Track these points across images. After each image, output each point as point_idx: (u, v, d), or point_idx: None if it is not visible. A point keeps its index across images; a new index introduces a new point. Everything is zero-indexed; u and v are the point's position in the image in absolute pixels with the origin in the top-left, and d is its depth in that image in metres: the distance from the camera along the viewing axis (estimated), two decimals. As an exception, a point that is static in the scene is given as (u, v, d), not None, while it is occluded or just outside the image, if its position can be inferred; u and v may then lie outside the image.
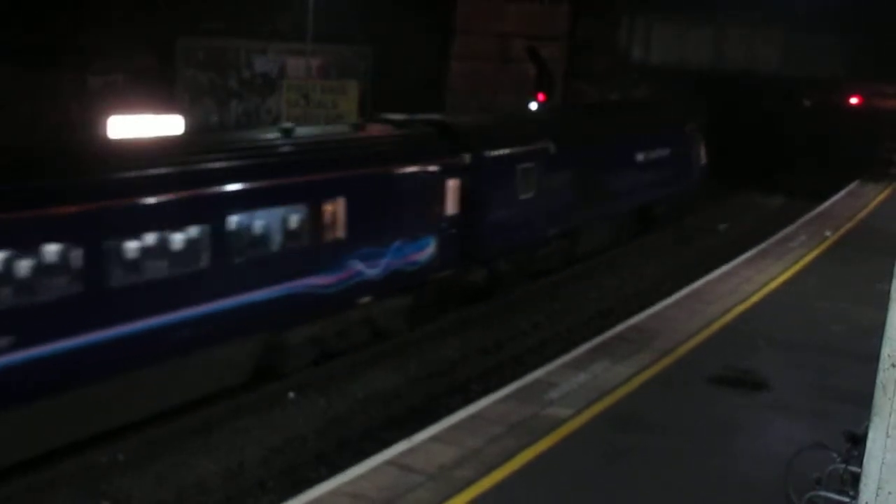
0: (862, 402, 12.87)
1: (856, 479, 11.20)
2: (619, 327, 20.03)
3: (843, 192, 40.92)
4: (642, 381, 16.70)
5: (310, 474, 14.85)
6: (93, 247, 14.21)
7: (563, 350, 19.28)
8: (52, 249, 13.64)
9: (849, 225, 33.19)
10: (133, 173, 15.39)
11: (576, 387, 16.19)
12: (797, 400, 16.26)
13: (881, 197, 40.57)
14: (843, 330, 20.42)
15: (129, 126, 24.61)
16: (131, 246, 14.82)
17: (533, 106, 40.58)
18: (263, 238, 17.13)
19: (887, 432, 7.10)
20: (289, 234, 17.59)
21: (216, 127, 32.97)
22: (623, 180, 30.14)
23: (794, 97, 50.41)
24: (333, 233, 18.51)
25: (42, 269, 13.53)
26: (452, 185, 21.85)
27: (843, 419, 13.67)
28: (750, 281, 24.19)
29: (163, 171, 15.82)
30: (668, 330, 19.73)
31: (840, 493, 11.28)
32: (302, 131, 19.93)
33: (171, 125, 26.05)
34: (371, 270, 19.61)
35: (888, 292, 6.79)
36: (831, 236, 30.70)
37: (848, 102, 50.37)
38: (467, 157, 22.32)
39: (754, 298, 22.60)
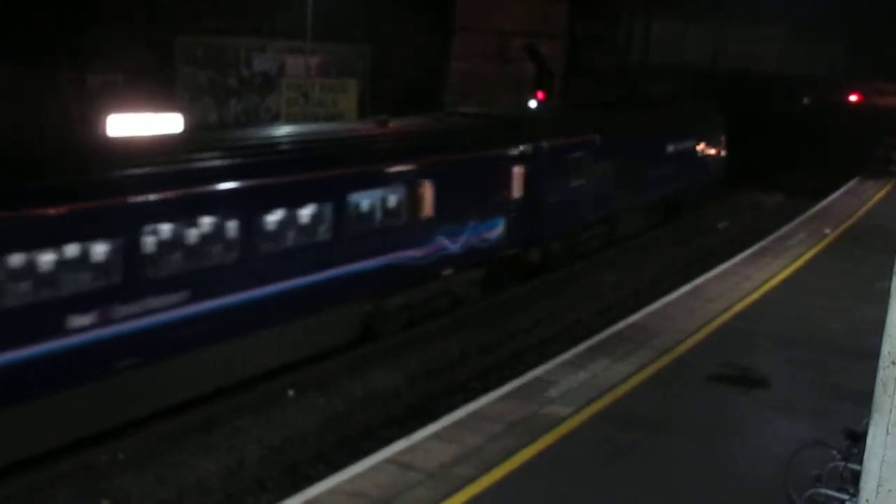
0: (861, 399, 12.89)
1: (856, 477, 11.20)
2: (619, 325, 20.02)
3: (842, 190, 40.93)
4: (642, 380, 16.70)
5: (309, 473, 14.84)
6: (254, 217, 16.94)
7: (562, 348, 19.28)
8: (216, 222, 16.22)
9: (848, 223, 33.20)
10: (275, 157, 18.38)
11: (575, 385, 16.19)
12: (797, 398, 16.25)
13: (880, 195, 40.59)
14: (842, 328, 20.42)
15: (128, 125, 24.60)
16: (274, 219, 17.28)
17: (532, 104, 40.65)
18: (373, 216, 19.60)
19: (887, 429, 7.10)
20: (391, 213, 20.02)
21: (215, 126, 32.95)
22: (656, 171, 32.43)
23: (794, 95, 50.44)
24: (425, 212, 20.94)
25: (209, 239, 16.19)
26: (517, 171, 24.14)
27: (842, 417, 13.68)
28: (749, 279, 24.19)
29: (297, 155, 18.74)
30: (667, 328, 19.73)
31: (840, 490, 11.27)
32: (395, 122, 22.63)
33: (170, 124, 26.04)
34: (453, 246, 22.03)
35: (888, 290, 6.79)
36: (830, 234, 30.71)
37: (847, 100, 50.39)
38: (529, 147, 24.43)
39: (754, 296, 22.60)
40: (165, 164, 16.03)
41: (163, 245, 15.27)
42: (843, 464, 11.48)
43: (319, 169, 18.63)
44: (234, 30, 34.34)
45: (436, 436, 13.91)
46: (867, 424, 7.42)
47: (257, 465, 15.34)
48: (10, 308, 13.17)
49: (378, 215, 19.66)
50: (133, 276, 14.79)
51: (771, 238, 29.85)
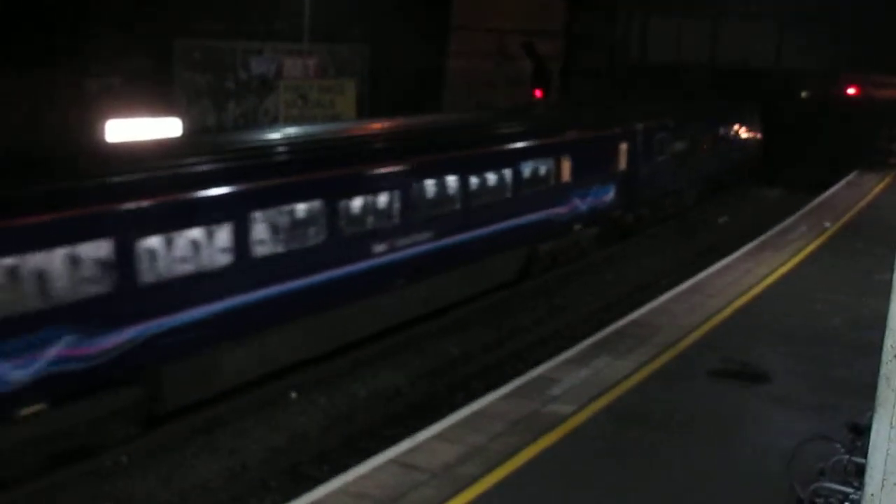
0: (864, 393, 12.88)
1: (860, 470, 11.21)
2: (620, 322, 20.03)
3: (842, 183, 40.94)
4: (644, 376, 16.71)
5: (313, 473, 14.84)
6: (468, 179, 22.60)
7: (564, 346, 19.30)
8: (452, 182, 22.10)
9: (848, 216, 33.22)
10: (479, 135, 24.58)
11: (578, 383, 16.19)
12: (799, 392, 16.26)
13: (880, 187, 40.61)
14: (843, 321, 20.42)
15: (127, 129, 24.58)
16: (477, 180, 22.94)
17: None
18: (534, 180, 25.11)
19: (891, 423, 7.11)
20: (545, 179, 25.59)
21: (214, 129, 32.92)
22: (711, 152, 38.54)
23: (792, 89, 50.46)
24: (565, 178, 26.43)
25: (446, 193, 21.90)
26: (623, 148, 29.70)
27: (845, 411, 13.69)
28: (750, 273, 24.20)
29: (489, 133, 25.05)
30: (669, 324, 19.73)
31: (844, 484, 11.27)
32: (536, 109, 30.01)
33: (168, 127, 26.02)
34: (581, 206, 27.49)
35: (889, 283, 6.79)
36: (831, 227, 30.71)
37: (845, 93, 50.40)
38: (630, 128, 30.15)
39: (755, 291, 22.61)
40: (438, 144, 22.60)
41: (420, 198, 20.93)
42: (846, 457, 11.47)
43: (502, 144, 24.45)
44: (231, 32, 34.29)
45: (439, 435, 13.91)
46: (870, 418, 7.43)
47: (260, 466, 15.34)
48: (349, 237, 19.01)
49: (537, 180, 25.27)
50: (406, 219, 20.41)
51: (771, 232, 29.87)
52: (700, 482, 12.83)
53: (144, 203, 14.94)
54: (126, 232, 14.54)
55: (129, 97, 28.83)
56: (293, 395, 17.81)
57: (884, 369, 7.03)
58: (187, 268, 15.52)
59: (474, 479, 12.47)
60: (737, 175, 42.36)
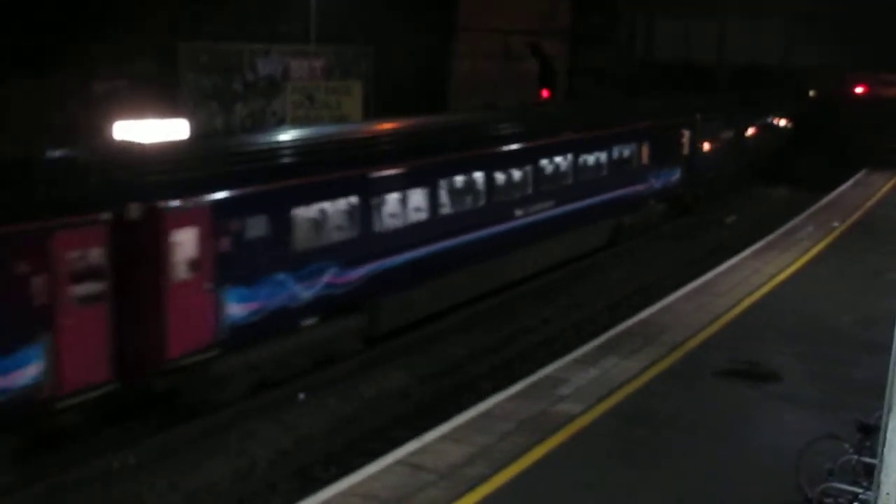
0: (873, 392, 12.85)
1: (868, 470, 11.19)
2: (628, 322, 20.01)
3: (850, 182, 40.84)
4: (652, 376, 16.68)
5: (320, 475, 14.83)
6: (580, 157, 27.20)
7: (571, 346, 19.26)
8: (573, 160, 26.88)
9: (856, 215, 33.14)
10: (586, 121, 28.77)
11: (585, 383, 16.17)
12: (807, 391, 16.22)
13: (888, 186, 40.50)
14: (852, 320, 20.37)
15: (135, 131, 24.61)
16: (585, 158, 27.43)
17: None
18: (623, 161, 29.54)
19: (904, 421, 7.06)
20: (630, 160, 30.07)
21: (222, 131, 32.95)
22: (751, 138, 42.38)
23: (800, 88, 50.44)
24: (644, 161, 30.94)
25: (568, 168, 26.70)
26: (686, 135, 34.25)
27: (854, 410, 13.63)
28: (758, 273, 24.15)
29: (592, 120, 29.13)
30: (676, 323, 19.70)
31: (853, 484, 11.23)
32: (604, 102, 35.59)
33: (176, 129, 26.05)
34: (656, 184, 31.97)
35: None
36: (839, 227, 30.64)
37: (853, 92, 50.30)
38: (690, 119, 34.39)
39: (763, 290, 22.56)
40: (555, 130, 26.94)
41: (546, 173, 25.49)
42: (855, 457, 11.45)
43: (600, 128, 28.59)
44: (237, 34, 34.34)
45: (446, 436, 13.90)
46: (879, 418, 7.39)
47: (268, 468, 15.34)
48: (498, 203, 23.48)
49: (625, 162, 29.68)
50: (536, 190, 25.01)
51: (779, 231, 29.81)
52: (708, 482, 12.80)
53: (378, 173, 19.61)
54: (367, 193, 19.21)
55: (137, 99, 28.88)
56: (301, 396, 17.80)
57: (894, 368, 7.00)
58: (398, 223, 20.04)
59: (482, 480, 12.46)
60: (773, 158, 46.00)
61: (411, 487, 12.19)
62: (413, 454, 13.24)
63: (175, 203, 15.15)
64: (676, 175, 33.57)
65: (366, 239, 19.13)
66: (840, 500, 11.20)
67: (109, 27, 29.81)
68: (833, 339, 19.13)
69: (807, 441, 12.30)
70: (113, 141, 17.08)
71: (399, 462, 12.98)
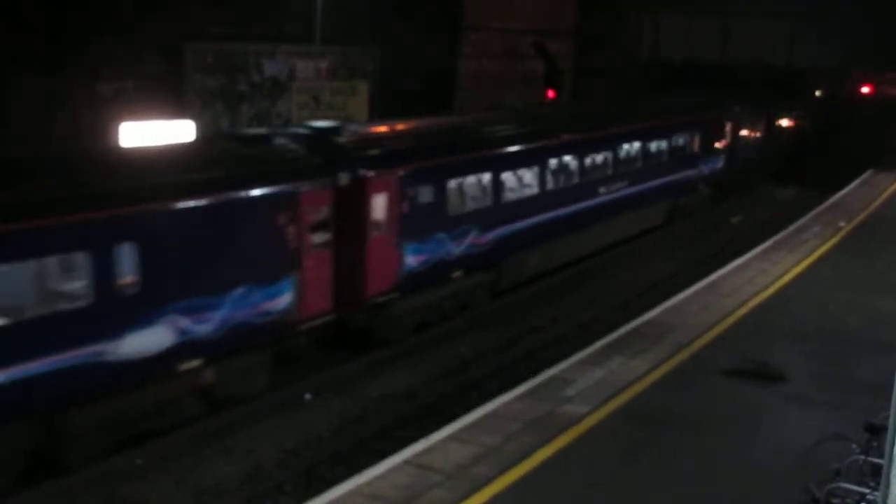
0: (880, 392, 12.85)
1: (876, 471, 11.18)
2: (635, 322, 20.00)
3: (856, 182, 40.76)
4: (659, 376, 16.68)
5: (327, 475, 14.83)
6: (648, 145, 30.81)
7: (578, 346, 19.26)
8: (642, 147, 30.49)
9: (863, 215, 33.09)
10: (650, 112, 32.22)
11: (592, 383, 16.18)
12: (814, 391, 16.21)
13: (895, 186, 40.40)
14: (858, 320, 20.35)
15: (140, 132, 24.63)
16: (651, 145, 31.09)
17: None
18: (680, 148, 33.11)
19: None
20: (683, 148, 33.52)
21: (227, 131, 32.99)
22: (783, 132, 45.51)
23: (808, 88, 50.41)
24: (696, 149, 34.37)
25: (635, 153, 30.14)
26: (729, 126, 37.42)
27: (861, 410, 13.63)
28: (764, 273, 24.13)
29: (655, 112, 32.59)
30: (683, 324, 19.70)
31: (860, 484, 11.23)
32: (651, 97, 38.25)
33: (182, 130, 26.07)
34: (703, 170, 35.39)
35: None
36: (845, 227, 30.59)
37: (859, 92, 50.23)
38: (732, 112, 37.72)
39: (769, 291, 22.55)
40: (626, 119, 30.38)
41: (622, 156, 29.11)
42: (862, 457, 11.44)
43: (662, 120, 32.10)
44: (243, 35, 34.35)
45: (453, 436, 13.91)
46: (886, 418, 7.39)
47: (275, 468, 15.35)
48: (590, 181, 27.35)
49: (681, 149, 33.17)
50: (616, 171, 28.76)
51: (786, 232, 29.77)
52: (715, 482, 12.80)
53: (503, 150, 23.81)
54: (498, 170, 23.11)
55: (142, 100, 28.90)
56: (307, 396, 17.82)
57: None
58: (517, 196, 23.92)
59: (488, 480, 12.47)
60: (799, 150, 47.77)
61: (418, 487, 12.21)
62: (420, 454, 13.26)
63: (372, 173, 18.96)
64: (720, 162, 37.03)
65: (496, 208, 23.08)
66: (847, 500, 11.20)
67: (115, 28, 29.84)
68: (840, 338, 19.11)
69: (814, 441, 12.29)
70: (316, 124, 21.30)
71: (406, 462, 13.01)
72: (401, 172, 19.81)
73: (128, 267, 14.38)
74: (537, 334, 22.26)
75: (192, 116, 29.30)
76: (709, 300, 21.57)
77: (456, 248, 21.72)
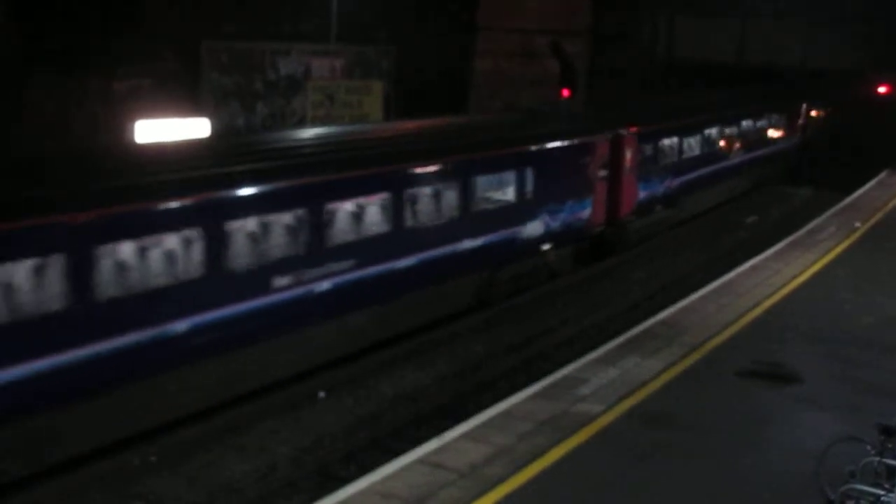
0: (895, 394, 12.78)
1: (891, 472, 11.14)
2: (649, 322, 19.95)
3: (872, 183, 40.59)
4: (672, 376, 16.64)
5: (340, 473, 14.86)
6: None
7: (591, 346, 19.23)
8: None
9: (879, 216, 32.93)
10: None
11: (605, 383, 16.14)
12: (829, 393, 16.15)
13: (911, 187, 40.19)
14: (874, 322, 20.27)
15: (156, 130, 24.73)
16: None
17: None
18: (783, 122, 41.95)
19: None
20: (767, 130, 41.37)
21: (243, 130, 33.08)
22: (827, 120, 50.36)
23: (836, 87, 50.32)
24: (779, 130, 42.30)
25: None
26: (804, 109, 45.60)
27: (876, 412, 13.58)
28: (779, 274, 24.04)
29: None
30: (697, 324, 19.64)
31: (874, 485, 11.19)
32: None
33: (197, 128, 26.16)
34: (784, 147, 43.63)
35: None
36: (861, 227, 30.46)
37: (876, 92, 50.03)
38: (805, 102, 45.80)
39: (784, 291, 22.46)
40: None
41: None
42: (877, 459, 11.39)
43: (753, 108, 39.91)
44: (258, 34, 34.47)
45: (466, 435, 13.90)
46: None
47: (288, 466, 15.38)
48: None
49: (780, 123, 42.26)
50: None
51: (800, 232, 29.66)
52: (728, 484, 12.77)
53: (685, 122, 33.24)
54: (680, 138, 32.50)
55: (158, 98, 29.04)
56: (321, 394, 17.85)
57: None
58: (688, 155, 32.98)
59: (501, 480, 12.46)
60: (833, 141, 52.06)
61: (431, 486, 12.20)
62: (433, 453, 13.25)
63: (625, 132, 27.92)
64: (794, 142, 44.86)
65: (679, 163, 32.24)
66: (862, 501, 11.16)
67: (132, 27, 29.98)
68: (855, 340, 19.03)
69: (828, 443, 12.25)
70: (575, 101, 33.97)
71: (419, 461, 13.00)
72: (636, 133, 28.42)
73: (530, 183, 23.65)
74: (551, 334, 22.24)
75: (207, 114, 29.42)
76: (723, 300, 21.51)
77: (660, 189, 30.82)
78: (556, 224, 24.77)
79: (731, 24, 51.44)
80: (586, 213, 26.20)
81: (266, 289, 16.50)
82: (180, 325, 15.12)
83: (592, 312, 23.92)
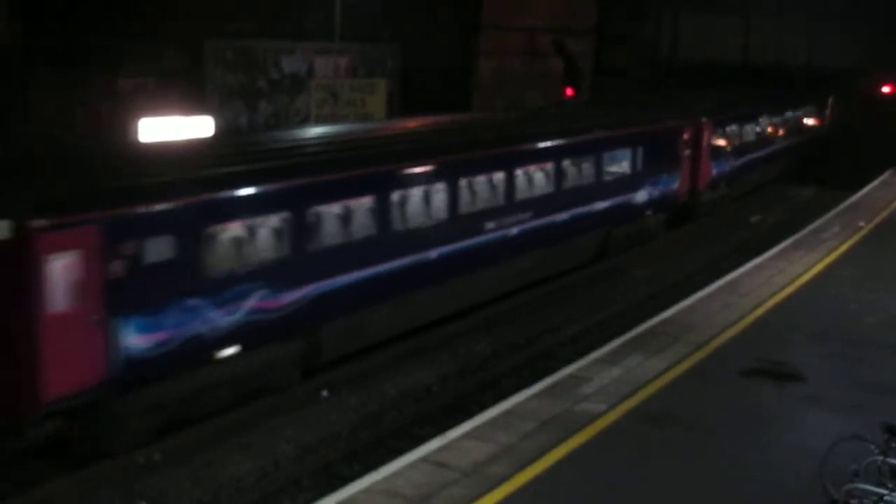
0: (899, 393, 12.76)
1: (894, 472, 11.14)
2: (652, 321, 19.95)
3: (875, 183, 40.55)
4: (676, 375, 16.64)
5: (344, 472, 14.88)
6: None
7: (595, 345, 19.23)
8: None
9: (883, 215, 32.91)
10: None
11: (609, 382, 16.15)
12: (832, 392, 16.15)
13: (915, 186, 40.15)
14: (877, 321, 20.27)
15: (160, 128, 24.74)
16: (786, 121, 45.00)
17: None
18: (803, 120, 47.05)
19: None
20: (806, 120, 47.51)
21: (245, 129, 33.08)
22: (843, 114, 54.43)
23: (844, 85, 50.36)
24: (815, 120, 48.64)
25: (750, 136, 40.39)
26: (827, 108, 51.06)
27: (879, 411, 13.57)
28: (783, 273, 24.03)
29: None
30: (701, 323, 19.64)
31: (878, 485, 11.19)
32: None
33: (201, 126, 26.17)
34: (819, 133, 49.62)
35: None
36: (865, 227, 30.44)
37: (880, 91, 49.97)
38: (832, 98, 51.53)
39: (788, 290, 22.46)
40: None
41: (766, 127, 41.34)
42: (881, 458, 11.39)
43: (804, 100, 47.64)
44: (262, 32, 34.47)
45: (469, 434, 13.91)
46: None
47: (292, 464, 15.40)
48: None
49: (804, 120, 47.46)
50: (777, 135, 42.96)
51: (804, 231, 29.65)
52: (732, 482, 12.77)
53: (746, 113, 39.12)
54: (758, 124, 40.54)
55: (162, 96, 29.03)
56: (324, 393, 17.87)
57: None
58: (745, 140, 38.50)
59: (504, 479, 12.47)
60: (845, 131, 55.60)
61: (434, 485, 12.22)
62: (436, 452, 13.26)
63: (706, 120, 33.48)
64: (825, 130, 50.50)
65: (740, 147, 37.61)
66: (865, 501, 11.16)
67: (135, 24, 29.99)
68: (858, 339, 19.03)
69: (832, 442, 12.25)
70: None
71: (422, 459, 13.01)
72: (711, 121, 33.83)
73: (640, 160, 28.87)
74: (554, 333, 22.24)
75: (211, 112, 29.42)
76: (727, 299, 21.51)
77: (726, 168, 36.00)
78: (656, 193, 30.21)
79: (735, 23, 51.39)
80: (676, 185, 31.76)
81: (481, 231, 21.96)
82: (433, 254, 20.37)
83: (596, 311, 23.92)
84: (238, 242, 15.72)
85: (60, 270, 13.06)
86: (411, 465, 12.83)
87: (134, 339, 14.10)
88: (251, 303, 15.96)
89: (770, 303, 21.37)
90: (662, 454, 13.55)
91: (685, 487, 12.57)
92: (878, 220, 31.98)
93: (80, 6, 28.81)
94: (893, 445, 11.38)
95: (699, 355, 17.70)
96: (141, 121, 25.04)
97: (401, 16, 38.03)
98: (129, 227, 14.05)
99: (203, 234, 15.09)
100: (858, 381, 16.67)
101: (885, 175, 42.46)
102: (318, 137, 21.54)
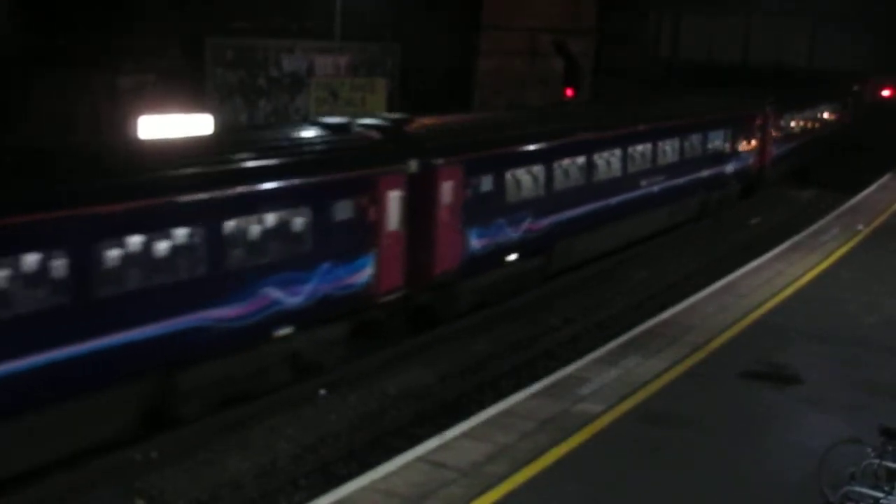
0: (897, 396, 12.77)
1: (891, 475, 11.16)
2: (651, 322, 19.96)
3: (875, 186, 40.55)
4: (674, 376, 16.65)
5: (342, 471, 14.87)
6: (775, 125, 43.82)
7: (594, 345, 19.23)
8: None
9: (882, 218, 32.91)
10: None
11: (607, 382, 16.16)
12: (831, 394, 16.16)
13: (914, 189, 40.16)
14: (876, 322, 20.28)
15: (160, 126, 24.73)
16: (819, 112, 49.12)
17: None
18: (843, 107, 51.80)
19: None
20: (839, 110, 51.34)
21: (246, 126, 33.09)
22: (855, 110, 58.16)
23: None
24: (845, 110, 52.98)
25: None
26: (850, 102, 53.60)
27: (877, 413, 13.59)
28: (782, 274, 24.04)
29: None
30: (700, 324, 19.65)
31: (874, 487, 11.20)
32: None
33: (201, 124, 26.16)
34: (848, 121, 53.65)
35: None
36: (864, 230, 30.45)
37: (880, 95, 50.02)
38: (842, 99, 53.07)
39: (787, 292, 22.47)
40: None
41: (804, 116, 45.67)
42: (877, 461, 11.40)
43: (827, 101, 50.14)
44: (263, 30, 34.49)
45: (468, 434, 13.93)
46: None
47: (290, 463, 15.40)
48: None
49: (841, 108, 50.65)
50: (802, 131, 45.77)
51: (804, 234, 29.65)
52: (729, 484, 12.78)
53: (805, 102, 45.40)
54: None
55: (163, 94, 29.04)
56: (323, 392, 17.87)
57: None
58: (790, 132, 42.94)
59: (502, 478, 12.48)
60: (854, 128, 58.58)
61: (432, 484, 12.23)
62: (434, 451, 13.28)
63: (769, 108, 38.16)
64: (851, 120, 53.76)
65: (793, 134, 42.40)
66: (861, 503, 11.18)
67: (136, 23, 29.99)
68: (857, 341, 19.04)
69: (829, 444, 12.26)
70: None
71: (420, 459, 13.03)
72: (774, 109, 38.69)
73: (729, 138, 34.72)
74: (553, 333, 22.24)
75: (210, 110, 29.43)
76: (726, 301, 21.52)
77: (784, 149, 41.24)
78: (738, 167, 36.23)
79: (736, 23, 51.41)
80: (750, 161, 37.44)
81: (638, 187, 28.90)
82: (613, 201, 27.36)
83: (595, 312, 23.91)
84: (522, 183, 22.98)
85: (446, 192, 20.22)
86: (409, 465, 12.84)
87: (474, 242, 21.50)
88: (525, 224, 23.31)
89: (769, 304, 21.39)
90: (660, 455, 13.56)
91: (683, 488, 12.58)
92: (877, 223, 31.99)
93: (83, 5, 28.83)
94: (890, 448, 11.39)
95: (698, 356, 17.71)
96: (141, 118, 25.03)
97: (401, 16, 38.05)
98: (475, 168, 21.25)
99: (506, 175, 22.41)
100: (857, 382, 16.69)
101: (884, 178, 42.46)
102: (529, 115, 28.97)
